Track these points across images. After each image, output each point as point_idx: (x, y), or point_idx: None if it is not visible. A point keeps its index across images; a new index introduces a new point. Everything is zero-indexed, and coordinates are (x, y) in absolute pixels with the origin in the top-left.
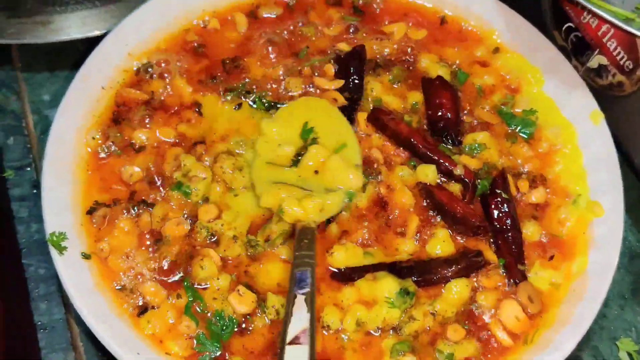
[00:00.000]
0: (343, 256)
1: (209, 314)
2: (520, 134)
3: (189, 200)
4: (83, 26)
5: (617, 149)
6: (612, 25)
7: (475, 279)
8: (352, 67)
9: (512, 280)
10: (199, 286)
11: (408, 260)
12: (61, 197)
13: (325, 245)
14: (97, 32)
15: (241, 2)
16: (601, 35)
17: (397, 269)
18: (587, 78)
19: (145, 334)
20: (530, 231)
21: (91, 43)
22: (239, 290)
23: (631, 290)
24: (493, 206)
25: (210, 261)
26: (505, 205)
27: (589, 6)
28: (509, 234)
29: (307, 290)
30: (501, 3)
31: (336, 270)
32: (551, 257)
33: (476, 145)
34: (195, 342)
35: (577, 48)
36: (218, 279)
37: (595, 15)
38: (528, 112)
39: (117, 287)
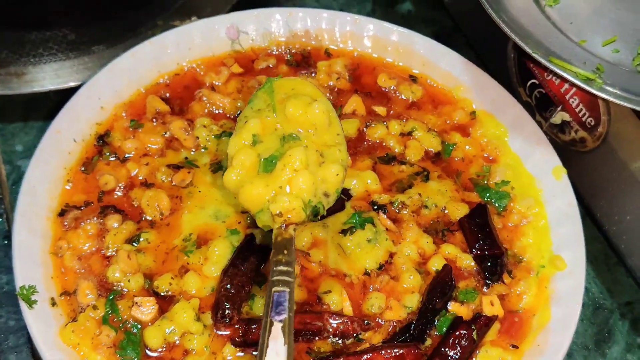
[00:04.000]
0: None
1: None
2: (496, 207)
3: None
4: (56, 78)
5: (579, 203)
6: (573, 85)
7: None
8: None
9: None
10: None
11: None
12: (32, 250)
13: None
14: (70, 84)
15: (217, 56)
16: (564, 92)
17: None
18: (550, 133)
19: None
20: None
21: (65, 94)
22: (136, 302)
23: (594, 342)
24: (452, 339)
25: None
26: (465, 340)
27: (551, 66)
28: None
29: (284, 316)
30: (466, 60)
31: None
32: (514, 346)
33: (467, 292)
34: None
35: (541, 104)
36: (129, 281)
37: (556, 75)
38: (501, 184)
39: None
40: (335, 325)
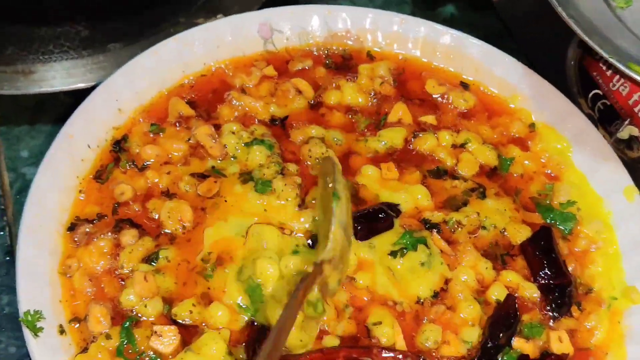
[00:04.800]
0: None
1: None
2: (560, 230)
3: None
4: (68, 77)
5: None
6: None
7: None
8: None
9: None
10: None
11: None
12: (38, 268)
13: None
14: (83, 85)
15: (247, 56)
16: (632, 104)
17: None
18: (616, 150)
19: None
20: None
21: (76, 96)
22: (155, 331)
23: None
24: None
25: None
26: None
27: (630, 73)
28: None
29: None
30: (525, 66)
31: None
32: None
33: (532, 326)
34: None
35: (604, 117)
36: (146, 306)
37: (635, 82)
38: (566, 205)
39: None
40: None
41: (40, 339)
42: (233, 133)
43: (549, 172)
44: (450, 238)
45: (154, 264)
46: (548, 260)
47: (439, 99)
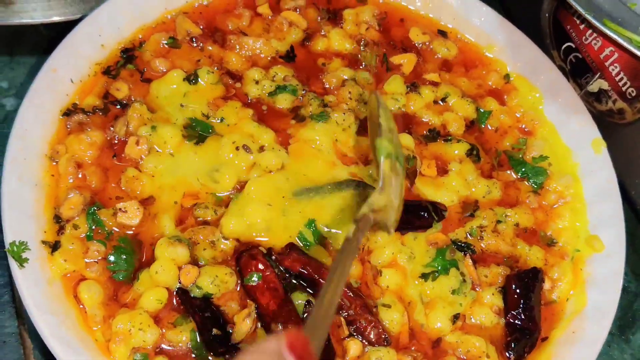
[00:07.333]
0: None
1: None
2: (531, 184)
3: None
4: (49, 10)
5: None
6: (628, 52)
7: None
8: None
9: None
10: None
11: None
12: (24, 201)
13: None
14: (62, 18)
15: None
16: (603, 58)
17: None
18: (585, 102)
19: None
20: None
21: (57, 28)
22: (120, 209)
23: (618, 327)
24: None
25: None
26: None
27: (605, 30)
28: None
29: None
30: (500, 16)
31: None
32: (544, 339)
33: None
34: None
35: (576, 69)
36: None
37: (608, 38)
38: (539, 159)
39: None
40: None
41: (26, 270)
42: (256, 82)
43: (523, 126)
44: (482, 252)
45: None
46: (525, 302)
47: (423, 47)
